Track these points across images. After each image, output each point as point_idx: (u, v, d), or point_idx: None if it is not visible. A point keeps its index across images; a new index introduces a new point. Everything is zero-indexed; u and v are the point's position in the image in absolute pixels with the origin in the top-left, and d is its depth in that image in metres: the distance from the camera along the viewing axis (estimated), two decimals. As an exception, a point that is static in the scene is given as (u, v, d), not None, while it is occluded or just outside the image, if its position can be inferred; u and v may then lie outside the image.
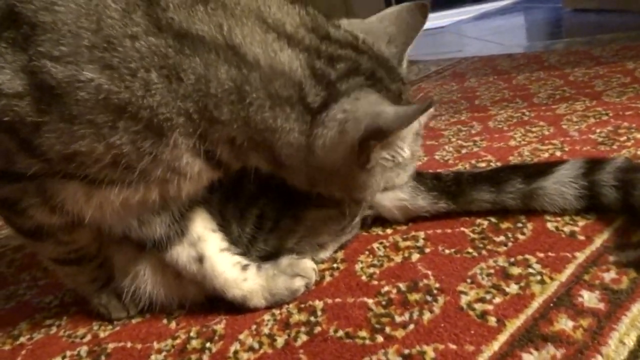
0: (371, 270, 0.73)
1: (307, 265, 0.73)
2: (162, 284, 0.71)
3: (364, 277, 0.72)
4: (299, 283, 0.70)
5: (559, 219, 0.74)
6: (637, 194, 0.67)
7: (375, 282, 0.70)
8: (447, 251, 0.73)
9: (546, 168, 0.75)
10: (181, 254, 0.68)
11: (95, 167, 0.53)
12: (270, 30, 0.54)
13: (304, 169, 0.58)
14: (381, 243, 0.79)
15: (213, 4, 0.52)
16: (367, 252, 0.78)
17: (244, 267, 0.70)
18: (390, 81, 0.60)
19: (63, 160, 0.52)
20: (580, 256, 0.65)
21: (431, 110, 0.56)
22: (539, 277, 0.63)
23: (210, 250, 0.69)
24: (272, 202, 0.73)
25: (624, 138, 0.96)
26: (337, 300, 0.68)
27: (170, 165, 0.55)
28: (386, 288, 0.68)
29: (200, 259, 0.68)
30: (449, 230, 0.78)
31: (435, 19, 3.75)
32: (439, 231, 0.79)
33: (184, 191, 0.59)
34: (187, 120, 0.52)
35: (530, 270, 0.64)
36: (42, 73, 0.49)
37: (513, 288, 0.62)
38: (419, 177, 0.80)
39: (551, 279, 0.62)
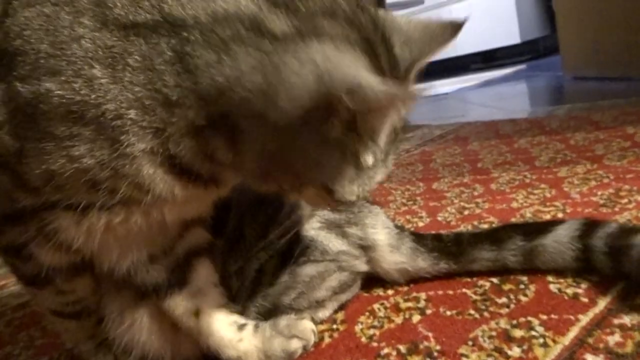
0: (371, 331, 0.72)
1: (306, 326, 0.71)
2: (158, 334, 0.69)
3: (363, 339, 0.70)
4: (295, 345, 0.69)
5: (561, 280, 0.73)
6: (626, 260, 0.67)
7: (375, 344, 0.68)
8: (448, 312, 0.72)
9: (545, 226, 0.76)
10: (179, 304, 0.67)
11: (72, 190, 0.52)
12: None
13: (263, 141, 0.50)
14: (382, 304, 0.78)
15: None
16: (367, 313, 0.77)
17: (241, 327, 0.69)
18: (390, 69, 0.52)
19: (45, 186, 0.52)
20: (584, 319, 0.64)
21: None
22: (542, 340, 0.61)
23: (209, 304, 0.68)
24: (270, 258, 0.73)
25: (625, 200, 0.96)
26: (336, 362, 0.67)
27: (133, 181, 0.51)
28: (386, 350, 0.67)
29: (197, 313, 0.67)
30: (450, 292, 0.77)
31: (440, 86, 3.86)
32: (440, 292, 0.78)
33: (169, 216, 0.57)
34: (139, 112, 0.48)
35: (533, 332, 0.63)
36: (15, 96, 0.50)
37: (515, 351, 0.60)
38: (419, 238, 0.80)
39: (554, 342, 0.60)
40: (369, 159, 0.53)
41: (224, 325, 0.68)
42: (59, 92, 0.48)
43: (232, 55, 0.47)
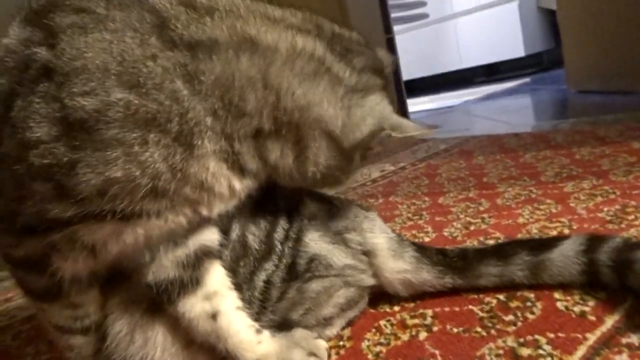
0: (378, 348, 0.72)
1: (321, 345, 0.72)
2: (173, 351, 0.68)
3: (370, 356, 0.70)
4: None
5: (568, 297, 0.73)
6: (630, 274, 0.67)
7: (382, 362, 0.69)
8: (455, 330, 0.72)
9: (550, 242, 0.76)
10: (194, 306, 0.66)
11: (129, 198, 0.55)
12: (276, 24, 0.62)
13: (318, 150, 0.64)
14: (388, 320, 0.78)
15: (218, 14, 0.60)
16: (374, 330, 0.77)
17: (258, 330, 0.69)
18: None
19: (97, 197, 0.55)
20: (591, 337, 0.63)
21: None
22: (549, 359, 0.61)
23: (226, 306, 0.67)
24: (277, 267, 0.73)
25: (632, 217, 0.96)
26: (343, 379, 0.67)
27: (198, 181, 0.58)
28: (393, 368, 0.67)
29: (215, 316, 0.66)
30: (457, 308, 0.77)
31: (445, 99, 3.88)
32: (447, 309, 0.78)
33: (215, 210, 0.62)
34: (214, 119, 0.57)
35: (541, 351, 0.63)
36: (75, 111, 0.54)
37: (523, 370, 0.60)
38: (423, 251, 0.80)
39: (562, 360, 0.60)
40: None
41: (243, 328, 0.67)
42: (136, 101, 0.54)
43: (313, 85, 0.61)
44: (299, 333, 0.71)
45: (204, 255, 0.67)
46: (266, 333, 0.69)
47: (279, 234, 0.73)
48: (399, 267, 0.79)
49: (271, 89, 0.59)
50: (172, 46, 0.57)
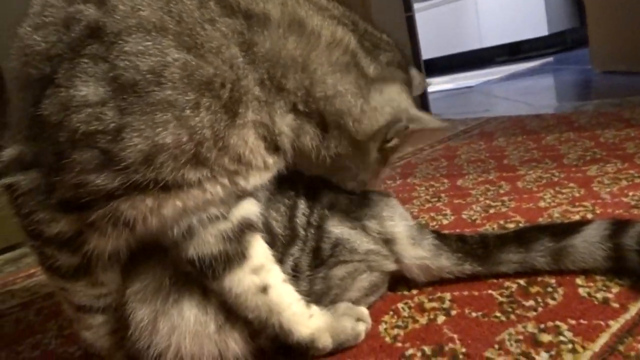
0: (395, 331, 0.72)
1: (365, 311, 0.73)
2: (204, 336, 0.66)
3: (387, 339, 0.70)
4: (361, 326, 0.70)
5: (591, 284, 0.72)
6: None
7: (400, 345, 0.68)
8: (474, 314, 0.71)
9: (573, 227, 0.75)
10: (242, 280, 0.64)
11: (172, 165, 0.55)
12: (322, 11, 0.65)
13: (341, 139, 0.67)
14: (406, 303, 0.78)
15: None
16: (391, 312, 0.77)
17: (307, 304, 0.68)
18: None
19: (142, 164, 0.54)
20: (614, 325, 0.62)
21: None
22: (570, 346, 0.60)
23: (275, 279, 0.66)
24: (302, 253, 0.72)
25: (658, 202, 0.93)
26: (360, 362, 0.67)
27: (237, 153, 0.58)
28: (410, 351, 0.66)
29: (265, 289, 0.65)
30: (476, 293, 0.76)
31: (465, 79, 3.82)
32: (465, 293, 0.77)
33: (251, 183, 0.62)
34: (261, 89, 0.59)
35: (562, 338, 0.62)
36: (126, 71, 0.53)
37: (543, 356, 0.60)
38: (443, 239, 0.79)
39: (584, 348, 0.59)
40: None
41: (294, 301, 0.66)
42: (193, 62, 0.54)
43: (342, 77, 0.63)
44: (342, 305, 0.72)
45: (247, 228, 0.65)
46: (314, 307, 0.69)
47: (300, 219, 0.73)
48: (417, 254, 0.78)
49: (308, 73, 0.61)
50: (231, 13, 0.58)
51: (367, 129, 0.68)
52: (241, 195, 0.64)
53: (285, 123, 0.62)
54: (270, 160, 0.63)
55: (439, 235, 0.80)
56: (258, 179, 0.63)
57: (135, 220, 0.58)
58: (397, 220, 0.78)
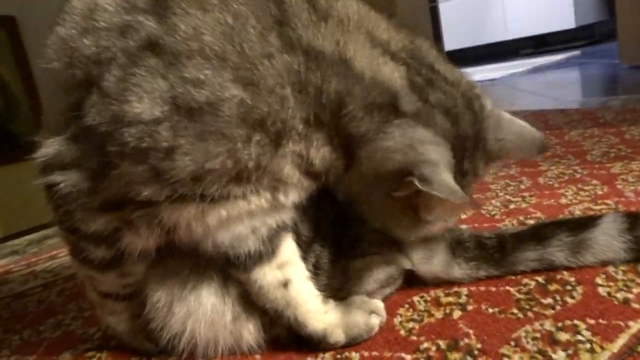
0: (410, 324, 0.72)
1: (379, 304, 0.73)
2: (221, 324, 0.68)
3: (402, 332, 0.70)
4: (375, 320, 0.70)
5: (611, 283, 0.70)
6: None
7: (414, 338, 0.68)
8: (490, 310, 0.71)
9: (589, 221, 0.75)
10: (267, 274, 0.66)
11: (219, 183, 0.56)
12: (377, 47, 0.60)
13: (363, 175, 0.62)
14: (422, 297, 0.78)
15: (332, 21, 0.58)
16: (407, 306, 0.76)
17: (325, 300, 0.70)
18: (469, 160, 0.63)
19: (190, 182, 0.55)
20: (634, 326, 0.61)
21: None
22: (588, 346, 0.59)
23: (297, 276, 0.68)
24: (323, 248, 0.73)
25: (684, 202, 0.91)
26: (374, 353, 0.67)
27: (275, 176, 0.59)
28: (425, 345, 0.66)
29: (286, 284, 0.67)
30: (493, 289, 0.76)
31: (489, 71, 3.76)
32: (482, 289, 0.76)
33: (290, 199, 0.63)
34: (305, 126, 0.57)
35: (579, 337, 0.61)
36: (185, 97, 0.53)
37: (560, 355, 0.59)
38: (459, 249, 0.78)
39: (602, 348, 0.59)
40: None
41: (311, 297, 0.69)
42: (249, 101, 0.54)
43: (370, 123, 0.58)
44: (357, 298, 0.73)
45: (281, 229, 0.67)
46: (332, 303, 0.71)
47: (324, 222, 0.73)
48: (428, 269, 0.78)
49: (345, 112, 0.58)
50: (290, 49, 0.55)
51: (371, 170, 0.61)
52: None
53: (319, 156, 0.60)
54: (306, 182, 0.62)
55: (456, 243, 0.78)
56: (297, 196, 0.63)
57: (177, 225, 0.59)
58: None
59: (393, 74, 0.59)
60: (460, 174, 0.64)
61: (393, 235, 0.71)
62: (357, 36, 0.59)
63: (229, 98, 0.53)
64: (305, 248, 0.72)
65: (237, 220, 0.61)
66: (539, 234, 0.76)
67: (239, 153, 0.55)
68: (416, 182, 0.56)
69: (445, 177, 0.57)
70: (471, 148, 0.64)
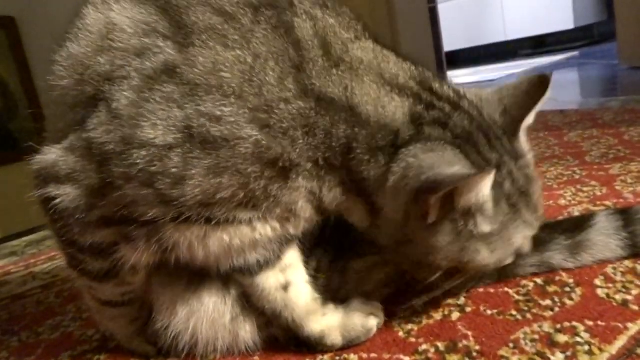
0: (409, 326, 0.72)
1: (378, 306, 0.73)
2: (220, 324, 0.69)
3: (401, 333, 0.70)
4: (372, 322, 0.70)
5: (610, 285, 0.70)
6: None
7: (413, 340, 0.68)
8: (489, 312, 0.71)
9: (583, 222, 0.76)
10: (270, 278, 0.67)
11: (225, 208, 0.57)
12: (386, 85, 0.60)
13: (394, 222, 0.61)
14: (421, 298, 0.78)
15: (343, 67, 0.59)
16: (405, 307, 0.76)
17: (324, 303, 0.70)
18: (489, 149, 0.61)
19: (197, 207, 0.56)
20: (633, 328, 0.61)
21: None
22: (587, 348, 0.59)
23: (298, 278, 0.69)
24: (325, 252, 0.74)
25: (683, 203, 0.91)
26: (373, 355, 0.67)
27: (287, 207, 0.60)
28: (424, 346, 0.66)
29: (286, 287, 0.68)
30: (491, 290, 0.76)
31: (487, 72, 3.76)
32: (481, 290, 0.76)
33: (299, 229, 0.64)
34: (313, 166, 0.59)
35: (578, 339, 0.61)
36: (200, 130, 0.53)
37: (559, 357, 0.59)
38: None
39: (600, 350, 0.59)
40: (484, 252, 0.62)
41: (310, 300, 0.69)
42: (265, 142, 0.55)
43: (375, 163, 0.59)
44: (355, 301, 0.73)
45: (287, 240, 0.67)
46: (330, 306, 0.71)
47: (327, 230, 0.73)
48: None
49: (353, 156, 0.59)
50: (304, 94, 0.56)
51: (395, 210, 0.60)
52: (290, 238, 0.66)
53: (331, 196, 0.61)
54: (317, 218, 0.64)
55: None
56: (307, 226, 0.65)
57: (177, 244, 0.59)
58: None
59: (396, 113, 0.59)
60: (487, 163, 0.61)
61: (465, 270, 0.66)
62: (366, 80, 0.59)
63: (245, 138, 0.54)
64: (307, 253, 0.72)
65: (239, 250, 0.62)
66: (537, 239, 0.76)
67: (250, 185, 0.56)
68: (426, 193, 0.55)
69: (448, 170, 0.55)
70: (484, 138, 0.62)
